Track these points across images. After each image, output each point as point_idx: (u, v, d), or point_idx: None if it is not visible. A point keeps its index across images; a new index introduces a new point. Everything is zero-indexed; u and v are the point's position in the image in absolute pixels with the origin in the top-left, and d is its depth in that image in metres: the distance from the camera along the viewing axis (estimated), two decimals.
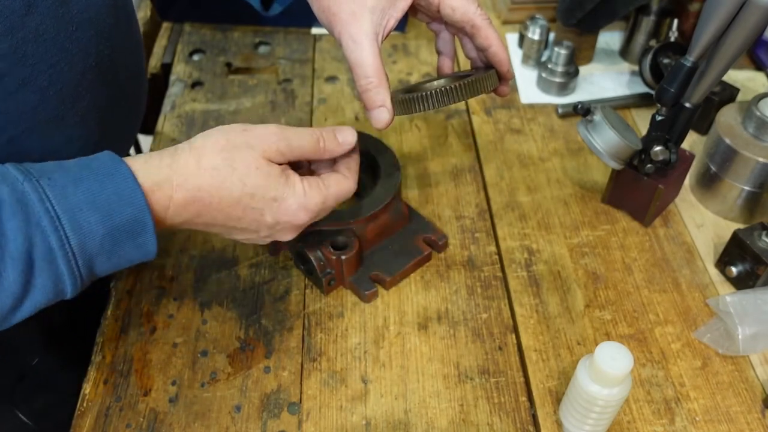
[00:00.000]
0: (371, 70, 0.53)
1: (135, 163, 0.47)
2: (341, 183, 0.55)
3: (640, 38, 0.94)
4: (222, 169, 0.48)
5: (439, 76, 0.64)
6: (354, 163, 0.57)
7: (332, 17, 0.54)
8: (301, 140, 0.51)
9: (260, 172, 0.49)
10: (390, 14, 0.54)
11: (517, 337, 0.65)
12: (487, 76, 0.55)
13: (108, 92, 0.56)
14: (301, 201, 0.51)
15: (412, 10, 0.59)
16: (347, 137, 0.54)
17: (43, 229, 0.42)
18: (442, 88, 0.53)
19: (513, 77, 0.61)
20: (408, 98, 0.53)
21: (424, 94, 0.53)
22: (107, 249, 0.45)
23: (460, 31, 0.59)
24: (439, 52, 0.64)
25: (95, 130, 0.55)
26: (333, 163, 0.57)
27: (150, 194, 0.46)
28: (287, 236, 0.54)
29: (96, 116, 0.55)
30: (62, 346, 0.47)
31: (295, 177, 0.52)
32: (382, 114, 0.54)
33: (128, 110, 0.61)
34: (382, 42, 0.54)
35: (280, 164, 0.51)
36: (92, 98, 0.54)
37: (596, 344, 0.57)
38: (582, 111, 0.67)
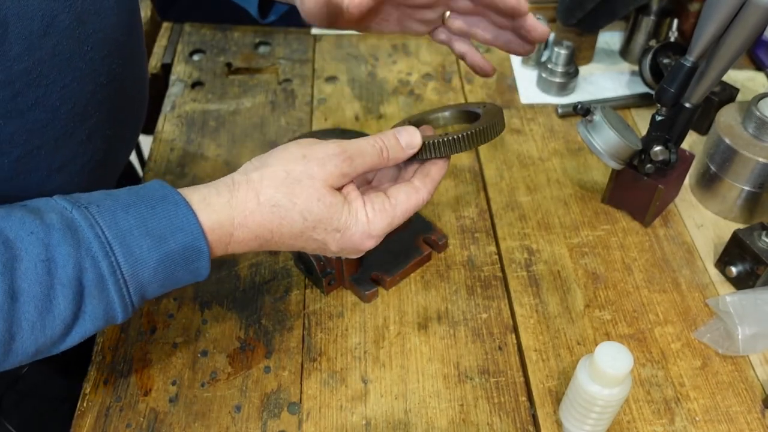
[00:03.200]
0: None
1: (192, 197, 0.46)
2: (411, 198, 0.51)
3: (640, 38, 0.94)
4: (282, 205, 0.47)
5: (445, 107, 0.63)
6: (437, 171, 0.53)
7: None
8: (363, 155, 0.49)
9: (322, 203, 0.47)
10: None
11: (517, 337, 0.65)
12: (495, 122, 0.54)
13: (115, 109, 0.55)
14: (364, 230, 0.50)
15: (411, 22, 0.59)
16: (412, 140, 0.52)
17: (94, 254, 0.42)
18: (453, 137, 0.52)
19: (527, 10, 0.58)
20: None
21: (432, 142, 0.52)
22: (160, 277, 0.45)
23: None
24: (461, 56, 0.63)
25: (100, 146, 0.55)
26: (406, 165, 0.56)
27: (210, 233, 0.46)
28: (354, 256, 0.54)
29: (102, 132, 0.55)
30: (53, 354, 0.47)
31: (358, 203, 0.50)
32: None
33: (131, 121, 0.61)
34: None
35: (344, 185, 0.50)
36: (100, 115, 0.53)
37: (596, 344, 0.57)
38: (582, 111, 0.67)
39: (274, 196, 0.47)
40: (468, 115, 0.61)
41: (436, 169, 0.53)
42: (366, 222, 0.50)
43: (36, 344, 0.42)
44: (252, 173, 0.48)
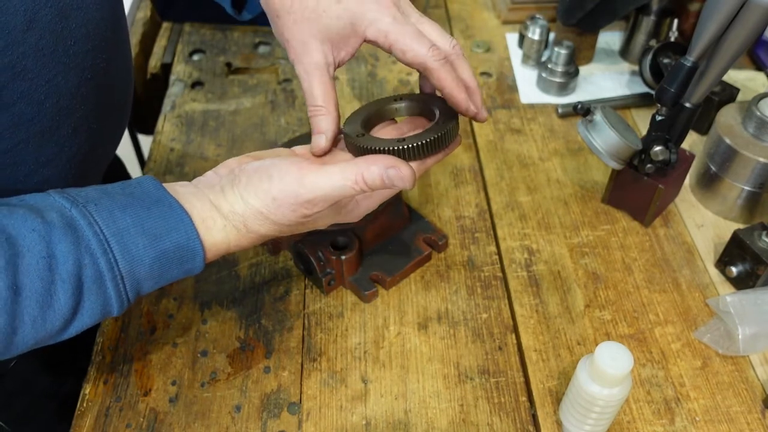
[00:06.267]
0: (320, 100, 0.53)
1: (194, 214, 0.47)
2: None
3: (640, 38, 0.94)
4: (270, 234, 0.51)
5: (403, 96, 0.62)
6: (423, 168, 0.54)
7: (286, 43, 0.54)
8: (335, 198, 0.49)
9: (305, 227, 0.52)
10: (341, 47, 0.54)
11: (517, 337, 0.65)
12: (449, 130, 0.53)
13: (100, 103, 0.56)
14: (357, 213, 0.54)
15: None
16: (397, 183, 0.48)
17: (93, 252, 0.43)
18: (402, 147, 0.51)
19: (479, 117, 0.58)
20: (365, 148, 0.51)
21: (382, 149, 0.51)
22: (155, 274, 0.46)
23: None
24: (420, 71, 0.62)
25: (86, 139, 0.56)
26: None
27: (208, 251, 0.48)
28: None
29: (87, 126, 0.55)
30: (39, 350, 0.47)
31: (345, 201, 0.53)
32: (320, 140, 0.53)
33: (117, 115, 0.62)
34: (334, 70, 0.54)
35: None
36: (86, 109, 0.54)
37: (596, 344, 0.57)
38: (582, 111, 0.67)
39: (259, 230, 0.50)
40: (421, 106, 0.59)
41: (422, 167, 0.54)
42: (356, 206, 0.53)
43: (35, 338, 0.43)
44: (235, 204, 0.49)
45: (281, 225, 0.50)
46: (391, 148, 0.51)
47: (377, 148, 0.51)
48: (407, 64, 0.55)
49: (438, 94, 0.61)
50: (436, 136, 0.52)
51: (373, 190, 0.48)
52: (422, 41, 0.53)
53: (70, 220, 0.43)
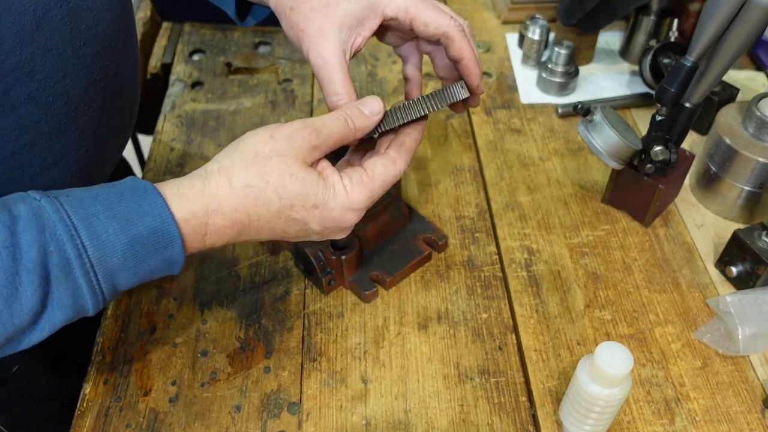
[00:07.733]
0: (340, 87, 0.52)
1: (166, 190, 0.46)
2: (388, 169, 0.51)
3: (640, 38, 0.94)
4: (255, 185, 0.46)
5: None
6: (411, 141, 0.53)
7: (300, 33, 0.53)
8: (329, 127, 0.49)
9: (295, 179, 0.47)
10: (358, 32, 0.53)
11: (517, 337, 0.65)
12: (456, 85, 0.54)
13: (108, 104, 0.56)
14: (344, 203, 0.49)
15: (381, 33, 0.58)
16: (374, 107, 0.51)
17: (59, 237, 0.41)
18: (411, 100, 0.52)
19: (483, 92, 0.59)
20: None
21: (394, 107, 0.52)
22: (130, 264, 0.44)
23: (434, 44, 0.58)
24: (406, 78, 0.61)
25: (93, 142, 0.55)
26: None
27: (184, 224, 0.45)
28: (340, 236, 0.52)
29: (95, 129, 0.55)
30: (42, 352, 0.46)
31: (334, 177, 0.49)
32: None
33: (124, 118, 0.61)
34: (350, 59, 0.53)
35: (316, 161, 0.49)
36: (93, 112, 0.53)
37: (596, 344, 0.57)
38: (582, 111, 0.67)
39: (245, 176, 0.46)
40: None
41: (410, 140, 0.53)
42: (345, 195, 0.49)
43: (4, 333, 0.41)
44: (223, 160, 0.47)
45: (270, 173, 0.46)
46: (400, 105, 0.52)
47: (388, 110, 0.52)
48: (429, 38, 0.55)
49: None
50: (439, 90, 0.53)
51: (355, 122, 0.50)
52: (442, 13, 0.53)
53: (38, 210, 0.42)
